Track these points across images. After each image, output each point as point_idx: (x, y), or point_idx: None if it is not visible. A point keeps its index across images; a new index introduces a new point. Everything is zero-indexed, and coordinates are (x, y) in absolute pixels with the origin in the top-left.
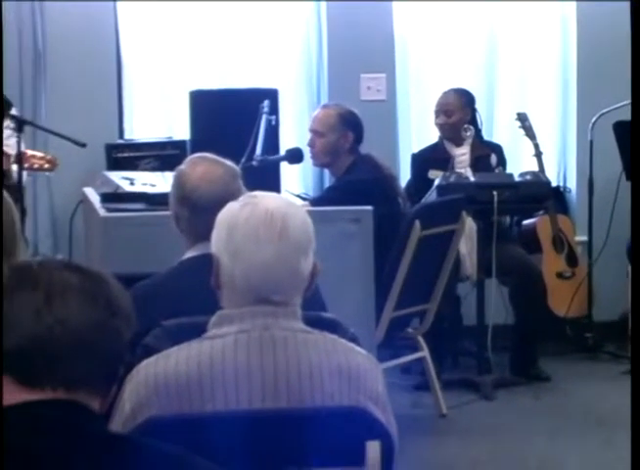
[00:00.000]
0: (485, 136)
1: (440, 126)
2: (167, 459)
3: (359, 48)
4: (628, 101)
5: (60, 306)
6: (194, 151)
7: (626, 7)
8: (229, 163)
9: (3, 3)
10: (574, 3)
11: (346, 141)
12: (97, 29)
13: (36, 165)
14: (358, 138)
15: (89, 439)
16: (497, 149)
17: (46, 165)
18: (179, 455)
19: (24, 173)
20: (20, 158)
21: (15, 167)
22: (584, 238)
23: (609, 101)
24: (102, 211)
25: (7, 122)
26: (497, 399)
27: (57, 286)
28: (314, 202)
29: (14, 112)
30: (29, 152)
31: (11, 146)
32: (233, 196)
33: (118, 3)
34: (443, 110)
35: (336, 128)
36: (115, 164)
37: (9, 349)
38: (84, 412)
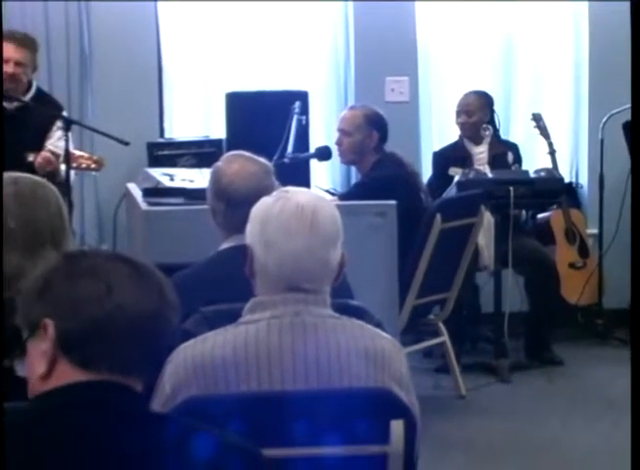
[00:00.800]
0: (502, 135)
1: (461, 126)
2: (207, 438)
3: (384, 53)
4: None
5: (119, 295)
6: (229, 149)
7: None
8: (263, 160)
9: (50, 8)
10: (587, 8)
11: (372, 140)
12: (139, 34)
13: (84, 165)
14: (383, 137)
15: (137, 419)
16: (513, 147)
17: (93, 166)
18: (218, 434)
19: (72, 171)
20: (67, 156)
21: (63, 166)
22: (595, 231)
23: (619, 102)
24: (144, 205)
25: (58, 125)
26: (513, 381)
27: (116, 276)
28: (342, 197)
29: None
30: (78, 152)
31: (60, 146)
32: (266, 191)
33: (160, 8)
34: (464, 110)
35: (362, 128)
36: (156, 161)
37: (69, 332)
38: (133, 395)
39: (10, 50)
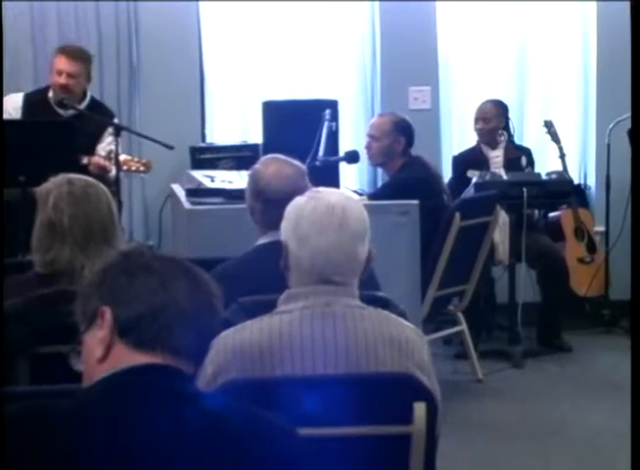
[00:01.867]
0: (516, 141)
1: (479, 132)
2: (248, 416)
3: (407, 64)
4: None
5: (171, 287)
6: (266, 153)
7: None
8: (296, 162)
9: (102, 24)
10: (595, 21)
11: (399, 145)
12: (183, 48)
13: (133, 168)
14: (409, 142)
15: (187, 398)
16: (527, 152)
17: (141, 168)
18: (256, 413)
19: (121, 173)
20: (117, 159)
21: (113, 168)
22: (602, 228)
23: (624, 110)
24: (187, 205)
25: (109, 131)
26: (526, 366)
27: (168, 272)
28: (372, 196)
29: (115, 122)
30: (128, 156)
31: (110, 150)
32: (300, 191)
33: (202, 25)
34: (482, 117)
35: (389, 134)
36: (198, 163)
37: (125, 317)
38: (184, 376)
39: (62, 62)
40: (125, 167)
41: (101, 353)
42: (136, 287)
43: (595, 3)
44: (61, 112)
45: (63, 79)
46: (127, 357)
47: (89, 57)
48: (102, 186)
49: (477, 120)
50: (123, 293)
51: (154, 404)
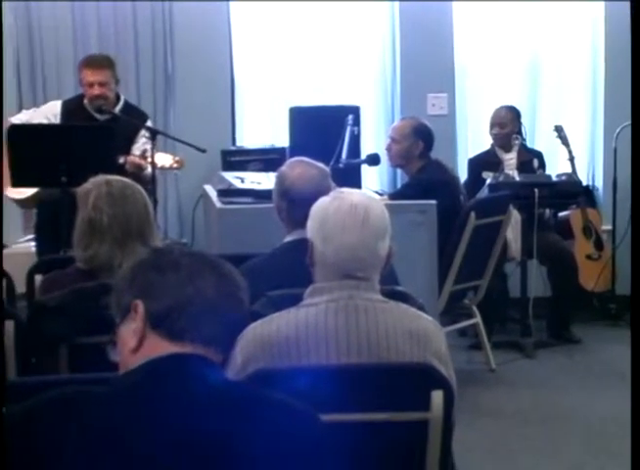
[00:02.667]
0: (529, 144)
1: (494, 136)
2: (275, 403)
3: (426, 73)
4: None
5: (199, 281)
6: (292, 155)
7: None
8: (321, 165)
9: (140, 34)
10: (603, 30)
11: (417, 148)
12: (215, 57)
13: (168, 165)
14: (428, 146)
15: (216, 386)
16: (538, 155)
17: (175, 165)
18: (283, 399)
19: (157, 171)
20: (153, 160)
21: (149, 168)
22: (609, 227)
23: (630, 115)
24: (218, 204)
25: (143, 132)
26: (537, 357)
27: (196, 267)
28: (392, 195)
29: (149, 123)
30: (162, 154)
31: (145, 148)
32: (324, 192)
33: (233, 36)
34: (497, 122)
35: (409, 137)
36: (229, 166)
37: (157, 309)
38: (213, 365)
39: (90, 74)
40: (160, 165)
41: (135, 344)
42: (165, 281)
43: (603, 14)
44: (97, 116)
45: (96, 90)
46: (159, 347)
47: (112, 62)
48: (138, 187)
49: (492, 126)
50: (154, 287)
51: (184, 391)
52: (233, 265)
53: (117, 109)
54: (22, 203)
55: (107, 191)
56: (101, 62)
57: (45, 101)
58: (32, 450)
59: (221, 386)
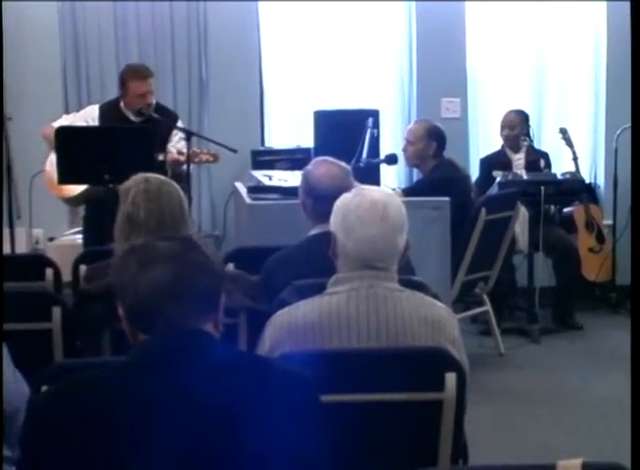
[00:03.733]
0: (536, 145)
1: (505, 138)
2: (298, 377)
3: (440, 79)
4: None
5: (151, 275)
6: (316, 155)
7: None
8: (343, 164)
9: (176, 46)
10: (605, 38)
11: (430, 149)
12: (246, 64)
13: (204, 159)
14: (441, 146)
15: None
16: (545, 155)
17: (211, 159)
18: (305, 375)
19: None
20: (188, 160)
21: (184, 166)
22: (610, 222)
23: (630, 118)
24: (248, 200)
25: (176, 131)
26: (542, 342)
27: (144, 260)
28: (406, 190)
29: (181, 124)
30: (198, 150)
31: (180, 146)
32: (346, 189)
33: (263, 46)
34: (507, 125)
35: (422, 138)
36: (258, 165)
37: (128, 310)
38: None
39: (140, 85)
40: (197, 159)
41: (131, 338)
42: (123, 283)
43: (605, 24)
44: (132, 118)
45: (148, 99)
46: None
47: (150, 70)
48: (175, 184)
49: (503, 128)
50: (120, 290)
51: (164, 369)
52: (261, 257)
53: (152, 110)
54: (70, 201)
55: (144, 188)
56: (147, 72)
57: (89, 105)
58: (55, 430)
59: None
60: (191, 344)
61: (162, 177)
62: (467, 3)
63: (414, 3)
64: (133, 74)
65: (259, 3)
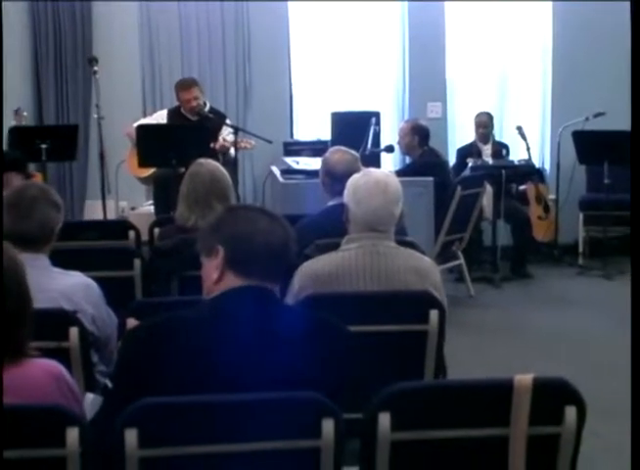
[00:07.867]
0: (498, 138)
1: (480, 134)
2: (320, 319)
3: (426, 87)
4: (581, 118)
5: (264, 233)
6: (333, 145)
7: (601, 39)
8: (353, 152)
9: (228, 59)
10: (550, 46)
11: (414, 141)
12: (279, 73)
13: (243, 146)
14: (424, 139)
15: (277, 308)
16: (505, 146)
17: (249, 146)
18: (323, 317)
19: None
20: (236, 148)
21: (232, 151)
22: (554, 196)
23: (569, 118)
24: (281, 180)
25: (225, 127)
26: (503, 287)
27: (261, 222)
28: (399, 172)
29: (229, 122)
30: (240, 140)
31: (230, 139)
32: (355, 171)
33: (292, 58)
34: (482, 125)
35: (409, 134)
36: (288, 152)
37: (233, 254)
38: (274, 294)
39: (187, 94)
40: (240, 147)
41: (217, 277)
42: (242, 235)
43: (551, 44)
44: (190, 118)
45: (193, 103)
46: (234, 282)
47: (196, 81)
48: (221, 168)
49: (478, 127)
50: (232, 238)
51: (250, 312)
52: (291, 222)
53: (206, 110)
54: (143, 180)
55: (198, 170)
56: (189, 83)
57: (162, 109)
58: (141, 364)
59: (281, 309)
60: (273, 297)
61: (214, 162)
62: (447, 22)
63: (407, 25)
64: (180, 86)
65: (290, 18)
